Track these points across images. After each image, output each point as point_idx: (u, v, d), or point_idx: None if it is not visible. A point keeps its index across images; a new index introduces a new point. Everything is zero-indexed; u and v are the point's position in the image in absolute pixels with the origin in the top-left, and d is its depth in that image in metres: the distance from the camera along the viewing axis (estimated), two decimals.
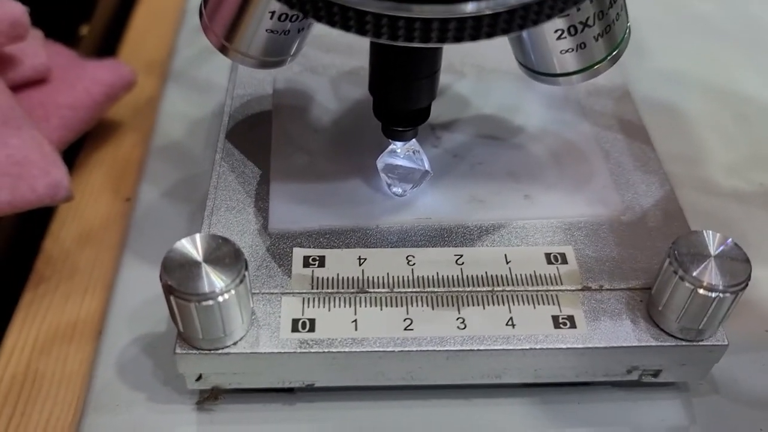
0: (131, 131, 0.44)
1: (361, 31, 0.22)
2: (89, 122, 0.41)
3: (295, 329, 0.27)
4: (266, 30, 0.29)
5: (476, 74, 0.38)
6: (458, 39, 0.22)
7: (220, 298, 0.25)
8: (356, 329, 0.27)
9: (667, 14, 0.50)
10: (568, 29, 0.27)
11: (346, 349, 0.27)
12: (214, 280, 0.25)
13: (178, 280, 0.25)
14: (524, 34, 0.28)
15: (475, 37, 0.22)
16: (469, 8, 0.21)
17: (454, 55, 0.39)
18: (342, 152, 0.33)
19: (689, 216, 0.32)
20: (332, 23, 0.22)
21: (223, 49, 0.30)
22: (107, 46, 0.50)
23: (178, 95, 0.43)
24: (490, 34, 0.22)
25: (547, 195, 0.32)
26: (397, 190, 0.31)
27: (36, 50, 0.40)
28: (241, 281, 0.25)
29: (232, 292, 0.25)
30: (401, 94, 0.28)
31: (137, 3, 0.52)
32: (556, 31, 0.27)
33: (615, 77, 0.38)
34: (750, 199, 0.39)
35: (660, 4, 0.50)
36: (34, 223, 0.39)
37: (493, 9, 0.21)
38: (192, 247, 0.26)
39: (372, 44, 0.27)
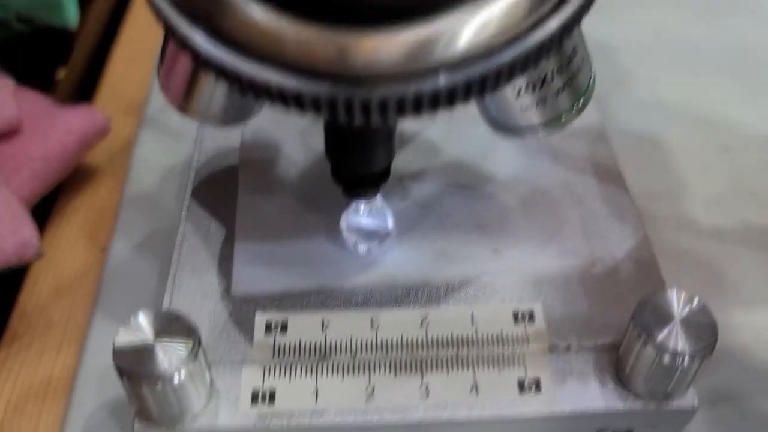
0: (108, 177, 0.43)
1: (316, 113, 0.22)
2: (63, 172, 0.41)
3: (254, 401, 0.27)
4: (223, 94, 0.28)
5: (446, 120, 0.37)
6: (417, 112, 0.21)
7: (173, 379, 0.25)
8: (317, 400, 0.27)
9: (651, 41, 0.49)
10: (527, 86, 0.26)
11: (306, 422, 0.26)
12: (165, 359, 0.25)
13: (128, 361, 0.25)
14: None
15: (435, 109, 0.22)
16: (428, 86, 0.20)
17: None
18: (309, 208, 0.33)
19: (668, 257, 0.31)
20: (281, 104, 0.22)
21: (182, 109, 0.29)
22: (85, 89, 0.49)
23: (152, 141, 0.43)
24: (451, 104, 0.22)
25: (516, 247, 0.31)
26: (363, 248, 0.31)
27: (5, 100, 0.39)
28: (195, 358, 0.25)
29: (184, 371, 0.25)
30: (358, 159, 0.27)
31: (115, 45, 0.51)
32: (513, 88, 0.27)
33: (590, 117, 0.37)
34: (731, 236, 0.38)
35: (643, 31, 0.49)
36: (7, 276, 0.39)
37: (451, 85, 0.20)
38: (143, 324, 0.25)
39: None
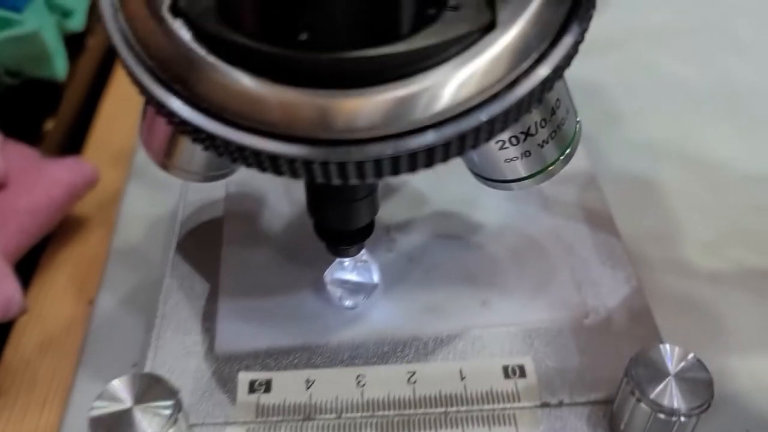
0: (96, 227, 0.43)
1: (293, 176, 0.21)
2: (50, 225, 0.40)
3: None
4: (204, 152, 0.28)
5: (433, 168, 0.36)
6: (395, 172, 0.21)
7: None
8: None
9: (639, 78, 0.48)
10: (510, 140, 0.26)
11: None
12: (144, 425, 0.24)
13: (108, 428, 0.24)
14: None
15: (413, 169, 0.21)
16: (406, 145, 0.20)
17: None
18: (294, 262, 0.32)
19: (663, 302, 0.31)
20: (259, 168, 0.21)
21: (164, 167, 0.29)
22: (73, 140, 0.49)
23: (139, 192, 0.43)
24: (429, 165, 0.21)
25: (506, 299, 0.31)
26: (348, 303, 0.30)
27: None
28: (175, 422, 0.24)
29: None
30: (340, 217, 0.27)
31: (104, 97, 0.51)
32: (497, 142, 0.26)
33: (580, 162, 0.37)
34: (727, 279, 0.37)
35: (631, 68, 0.49)
36: None
37: (429, 145, 0.20)
38: (122, 389, 0.25)
39: None
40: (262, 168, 0.21)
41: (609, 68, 0.48)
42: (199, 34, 0.20)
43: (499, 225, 0.34)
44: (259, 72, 0.19)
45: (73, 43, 0.49)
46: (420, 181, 0.36)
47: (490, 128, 0.20)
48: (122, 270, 0.38)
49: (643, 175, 0.42)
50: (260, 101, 0.19)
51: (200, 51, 0.20)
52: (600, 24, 0.53)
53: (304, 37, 0.18)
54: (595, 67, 0.48)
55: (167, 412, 0.24)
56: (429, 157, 0.20)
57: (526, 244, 0.33)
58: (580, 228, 0.34)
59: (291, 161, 0.20)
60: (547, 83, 0.21)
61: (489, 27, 0.20)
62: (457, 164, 0.36)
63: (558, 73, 0.21)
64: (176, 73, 0.20)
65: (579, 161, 0.35)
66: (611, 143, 0.44)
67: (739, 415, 0.31)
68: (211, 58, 0.20)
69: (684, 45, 0.51)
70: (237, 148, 0.20)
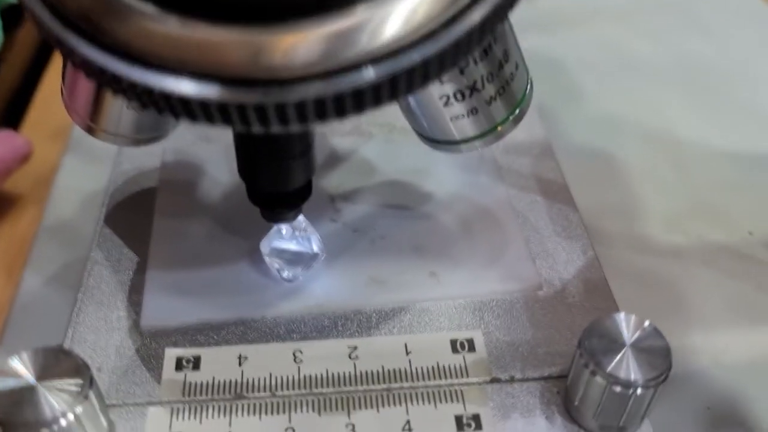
0: (30, 205, 0.40)
1: (226, 124, 0.19)
2: None
3: None
4: (130, 107, 0.26)
5: (385, 134, 0.35)
6: (340, 114, 0.19)
7: (60, 423, 0.22)
8: None
9: (600, 55, 0.47)
10: (455, 95, 0.24)
11: None
12: (50, 403, 0.22)
13: (7, 406, 0.21)
14: (414, 104, 0.25)
15: (359, 109, 0.19)
16: (350, 82, 0.18)
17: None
18: (230, 233, 0.30)
19: (620, 279, 0.29)
20: (186, 117, 0.19)
21: (90, 130, 0.27)
22: (12, 114, 0.47)
23: (74, 166, 0.40)
24: (377, 102, 0.19)
25: (456, 271, 0.29)
26: (287, 275, 0.28)
27: None
28: (86, 399, 0.22)
29: (72, 416, 0.22)
30: (272, 177, 0.25)
31: (46, 69, 0.49)
32: (441, 97, 0.24)
33: (535, 131, 0.35)
34: (689, 254, 0.35)
35: (592, 45, 0.48)
36: None
37: (375, 80, 0.18)
38: (26, 364, 0.22)
39: None
40: (192, 116, 0.19)
41: (571, 44, 0.47)
42: None
43: (450, 195, 0.32)
44: (179, 8, 0.17)
45: (10, 16, 0.47)
46: (368, 149, 0.34)
47: (426, 69, 0.19)
48: (51, 247, 0.36)
49: (603, 151, 0.41)
50: (182, 40, 0.17)
51: None
52: (564, 0, 0.52)
53: None
54: (557, 43, 0.46)
55: (76, 389, 0.22)
56: (375, 96, 0.18)
57: (478, 215, 0.31)
58: (534, 198, 0.32)
59: (222, 107, 0.18)
60: (487, 24, 0.19)
61: None
62: (405, 132, 0.35)
63: (498, 14, 0.19)
64: (80, 10, 0.18)
65: (534, 130, 0.34)
66: (571, 118, 0.42)
67: (700, 392, 0.30)
68: None
69: (646, 23, 0.50)
70: (157, 96, 0.18)
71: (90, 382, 0.22)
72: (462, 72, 0.24)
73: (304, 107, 0.18)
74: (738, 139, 0.41)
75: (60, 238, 0.36)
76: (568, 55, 0.47)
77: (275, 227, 0.28)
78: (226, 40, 0.17)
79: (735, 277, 0.34)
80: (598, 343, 0.23)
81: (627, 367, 0.23)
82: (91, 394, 0.22)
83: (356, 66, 0.17)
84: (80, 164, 0.40)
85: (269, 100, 0.18)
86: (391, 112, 0.36)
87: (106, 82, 0.18)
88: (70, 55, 0.19)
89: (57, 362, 0.22)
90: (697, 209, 0.38)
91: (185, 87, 0.17)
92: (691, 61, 0.47)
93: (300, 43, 0.17)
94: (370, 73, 0.18)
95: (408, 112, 0.26)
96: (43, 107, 0.47)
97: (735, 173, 0.39)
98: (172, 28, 0.17)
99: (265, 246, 0.28)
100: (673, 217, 0.37)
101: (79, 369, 0.22)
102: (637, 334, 0.23)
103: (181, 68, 0.17)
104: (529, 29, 0.46)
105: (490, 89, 0.24)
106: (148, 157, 0.34)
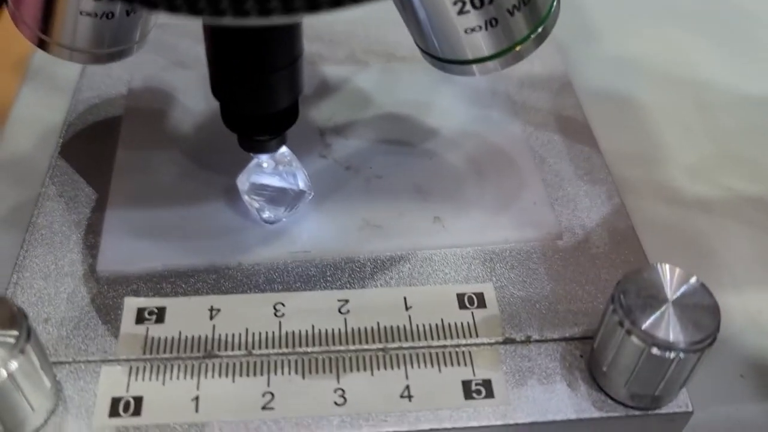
0: None
1: (175, 8, 0.15)
2: None
3: (114, 413, 0.21)
4: (85, 13, 0.22)
5: (383, 63, 0.31)
6: (313, 7, 0.15)
7: None
8: (197, 410, 0.21)
9: None
10: (471, 0, 0.20)
11: None
12: None
13: None
14: (421, 12, 0.21)
15: (335, 3, 0.15)
16: None
17: (356, 40, 0.32)
18: (204, 168, 0.27)
19: (646, 233, 0.26)
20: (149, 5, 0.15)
21: (43, 44, 0.24)
22: None
23: (33, 97, 0.36)
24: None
25: (463, 216, 0.25)
26: (268, 215, 0.24)
27: None
28: (22, 353, 0.18)
29: (4, 372, 0.18)
30: (251, 95, 0.21)
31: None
32: (456, 2, 0.20)
33: (554, 63, 0.31)
34: (719, 208, 0.32)
35: None
36: None
37: None
38: None
39: (205, 29, 0.20)
40: (170, 5, 0.15)
41: None
42: None
43: (457, 131, 0.28)
44: None
45: None
46: (364, 79, 0.30)
47: None
48: (1, 182, 0.32)
49: (625, 93, 0.37)
50: None
51: None
52: None
53: None
54: None
55: (10, 341, 0.18)
56: None
57: (489, 154, 0.27)
58: (552, 137, 0.29)
59: None
60: None
61: None
62: (406, 61, 0.31)
63: None
64: None
65: (553, 63, 0.31)
66: (590, 57, 0.39)
67: (733, 357, 0.27)
68: None
69: None
70: None
71: (27, 334, 0.19)
72: None
73: None
74: (766, 83, 0.38)
75: (12, 173, 0.32)
76: None
77: (255, 160, 0.24)
78: None
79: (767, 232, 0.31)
80: (635, 297, 0.20)
81: (668, 326, 0.19)
82: (29, 348, 0.19)
83: None
84: (39, 95, 0.36)
85: None
86: (391, 39, 0.32)
87: None
88: None
89: None
90: (725, 158, 0.35)
91: None
92: (718, 2, 0.43)
93: None
94: None
95: (413, 23, 0.22)
96: (3, 35, 0.42)
97: (763, 120, 0.36)
98: None
99: (242, 181, 0.24)
100: (699, 165, 0.34)
101: (14, 318, 0.19)
102: (681, 290, 0.20)
103: None
104: None
105: None
106: (114, 84, 0.30)
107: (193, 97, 0.29)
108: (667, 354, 0.19)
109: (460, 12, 0.21)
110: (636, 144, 0.34)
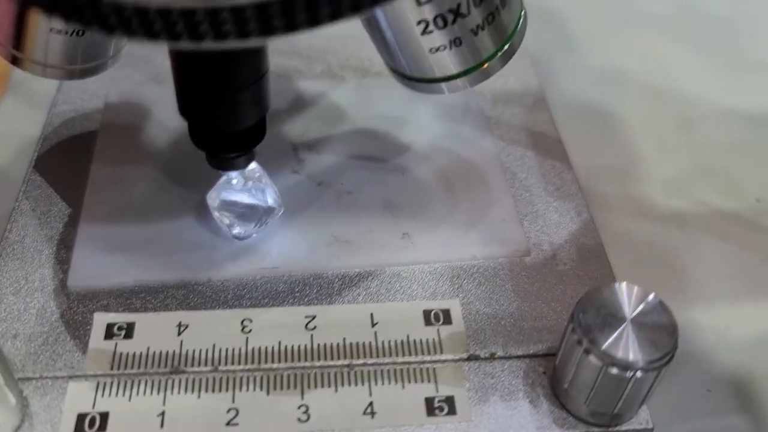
0: None
1: (131, 32, 0.15)
2: None
3: (80, 429, 0.21)
4: (56, 30, 0.22)
5: (358, 79, 0.31)
6: (289, 29, 0.15)
7: None
8: (162, 426, 0.21)
9: (599, 2, 0.43)
10: (435, 20, 0.21)
11: None
12: None
13: None
14: (387, 32, 0.22)
15: (313, 23, 0.15)
16: None
17: (333, 55, 0.32)
18: (176, 184, 0.27)
19: (617, 248, 0.27)
20: (108, 27, 0.15)
21: (16, 61, 0.24)
22: None
23: (11, 110, 0.36)
24: (313, 22, 0.15)
25: (432, 233, 0.26)
26: (238, 231, 0.25)
27: None
28: None
29: None
30: (217, 113, 0.21)
31: None
32: (419, 23, 0.21)
33: (528, 78, 0.32)
34: (692, 221, 0.32)
35: None
36: None
37: None
38: None
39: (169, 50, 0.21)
40: (126, 29, 0.15)
41: None
42: None
43: (429, 147, 0.29)
44: None
45: None
46: (338, 94, 0.31)
47: None
48: None
49: (601, 106, 0.37)
50: None
51: None
52: None
53: None
54: None
55: None
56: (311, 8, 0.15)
57: (460, 169, 0.28)
58: (525, 153, 0.29)
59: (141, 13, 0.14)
60: None
61: None
62: (380, 77, 0.31)
63: None
64: None
65: (527, 78, 0.31)
66: (566, 69, 0.39)
67: (701, 373, 0.27)
68: None
69: None
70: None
71: None
72: None
73: (242, 12, 0.14)
74: (746, 96, 0.38)
75: None
76: (565, 2, 0.43)
77: (224, 176, 0.24)
78: None
79: (741, 247, 0.31)
80: (593, 316, 0.20)
81: (626, 345, 0.20)
82: None
83: None
84: (18, 108, 0.36)
85: (200, 3, 0.14)
86: (367, 55, 0.32)
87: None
88: None
89: None
90: (701, 172, 0.35)
91: None
92: (698, 11, 0.44)
93: None
94: None
95: (381, 43, 0.22)
96: None
97: (742, 134, 0.36)
98: None
99: (212, 198, 0.24)
100: (675, 180, 0.34)
101: None
102: (639, 308, 0.20)
103: None
104: None
105: (476, 16, 0.21)
106: (90, 99, 0.30)
107: (168, 112, 0.29)
108: (624, 373, 0.20)
109: (424, 32, 0.21)
110: (611, 158, 0.35)
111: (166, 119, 0.29)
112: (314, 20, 0.15)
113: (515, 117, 0.30)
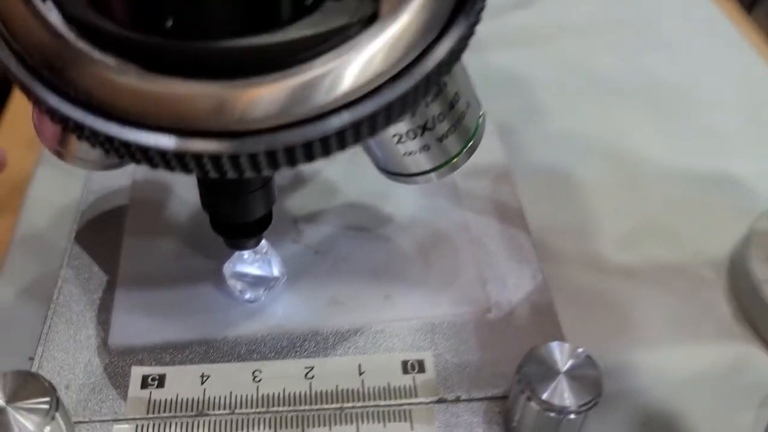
0: (5, 215, 0.41)
1: (185, 171, 0.20)
2: None
3: None
4: None
5: (349, 156, 0.36)
6: (291, 163, 0.20)
7: None
8: None
9: (564, 74, 0.48)
10: (407, 133, 0.26)
11: None
12: (19, 424, 0.23)
13: None
14: (371, 142, 0.27)
15: (308, 159, 0.20)
16: (292, 137, 0.19)
17: None
18: (197, 253, 0.32)
19: (569, 301, 0.30)
20: (145, 163, 0.20)
21: (60, 155, 0.28)
22: None
23: (48, 178, 0.41)
24: (309, 157, 0.20)
25: (409, 294, 0.30)
26: (249, 296, 0.30)
27: None
28: (52, 420, 0.23)
29: None
30: (233, 210, 0.26)
31: None
32: (394, 135, 0.26)
33: (495, 154, 0.37)
34: (638, 273, 0.37)
35: (557, 64, 0.49)
36: None
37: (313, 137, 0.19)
38: None
39: None
40: (160, 166, 0.20)
41: (532, 62, 0.48)
42: (68, 18, 0.19)
43: (409, 218, 0.33)
44: (129, 59, 0.18)
45: None
46: (331, 172, 0.35)
47: (388, 114, 0.20)
48: (23, 258, 0.37)
49: (561, 169, 0.42)
50: (138, 91, 0.18)
51: (69, 35, 0.19)
52: (525, 18, 0.53)
53: (169, 23, 0.18)
54: (518, 61, 0.47)
55: (44, 408, 0.23)
56: (324, 148, 0.20)
57: (434, 238, 0.33)
58: (490, 222, 0.34)
59: (180, 156, 0.19)
60: (431, 78, 0.20)
61: (370, 19, 0.19)
62: (367, 157, 0.36)
63: (442, 68, 0.20)
64: (44, 58, 0.19)
65: (493, 154, 0.35)
66: (531, 137, 0.43)
67: (639, 409, 0.31)
68: (81, 44, 0.19)
69: (607, 41, 0.51)
70: (111, 144, 0.19)
71: (56, 402, 0.24)
72: (414, 113, 0.25)
73: (267, 155, 0.19)
74: (694, 157, 0.42)
75: (32, 250, 0.37)
76: (529, 72, 0.48)
77: (237, 252, 0.29)
78: (188, 94, 0.18)
79: (680, 296, 0.35)
80: (534, 370, 0.25)
81: (561, 394, 0.25)
82: (57, 415, 0.24)
83: (322, 116, 0.19)
84: (54, 176, 0.41)
85: (243, 149, 0.18)
86: None
87: (71, 129, 0.20)
88: (36, 102, 0.20)
89: (25, 385, 0.24)
90: (648, 228, 0.39)
91: (146, 139, 0.19)
92: (652, 79, 0.48)
93: (262, 98, 0.18)
94: (329, 124, 0.19)
95: (367, 149, 0.27)
96: (17, 115, 0.47)
97: (688, 192, 0.40)
98: (133, 80, 0.18)
99: (227, 270, 0.29)
100: (625, 236, 0.38)
101: (46, 390, 0.24)
102: (570, 362, 0.25)
103: (142, 120, 0.19)
104: (491, 46, 0.48)
105: (442, 127, 0.26)
106: (120, 176, 0.35)
107: (188, 189, 0.34)
108: (559, 416, 0.25)
109: (399, 141, 0.26)
110: (569, 218, 0.39)
111: (187, 196, 0.34)
112: (326, 152, 0.20)
113: (482, 189, 0.35)
